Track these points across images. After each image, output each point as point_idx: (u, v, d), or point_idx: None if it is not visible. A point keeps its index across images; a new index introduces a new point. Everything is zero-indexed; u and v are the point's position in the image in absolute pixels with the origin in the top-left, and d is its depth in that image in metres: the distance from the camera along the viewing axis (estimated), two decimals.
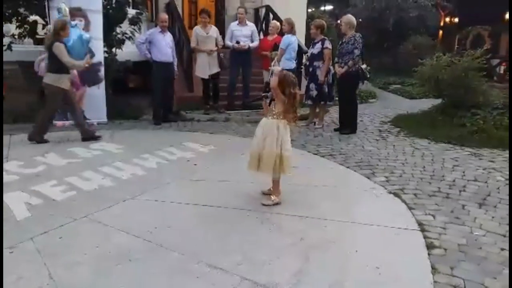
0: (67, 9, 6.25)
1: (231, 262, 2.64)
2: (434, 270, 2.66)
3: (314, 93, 7.00)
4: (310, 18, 13.22)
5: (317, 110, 7.32)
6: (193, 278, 2.47)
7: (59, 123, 6.82)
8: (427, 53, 11.48)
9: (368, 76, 6.98)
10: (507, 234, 3.15)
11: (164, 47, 7.08)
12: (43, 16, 7.37)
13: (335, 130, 6.82)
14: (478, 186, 4.22)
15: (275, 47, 7.90)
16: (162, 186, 4.02)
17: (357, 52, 6.40)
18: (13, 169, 4.43)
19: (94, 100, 7.09)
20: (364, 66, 6.64)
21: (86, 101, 7.07)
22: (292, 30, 7.42)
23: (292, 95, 3.55)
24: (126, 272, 2.53)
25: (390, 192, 4.00)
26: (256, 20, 11.10)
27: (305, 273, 2.56)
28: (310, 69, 7.06)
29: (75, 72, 6.67)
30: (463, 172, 4.66)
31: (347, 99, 6.79)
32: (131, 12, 8.18)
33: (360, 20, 19.01)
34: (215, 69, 7.85)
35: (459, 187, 4.17)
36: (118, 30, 8.07)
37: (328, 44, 6.90)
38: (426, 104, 8.89)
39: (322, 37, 7.00)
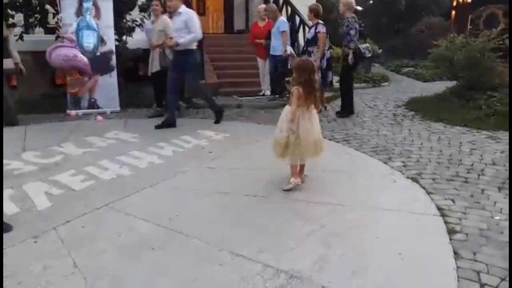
0: None
1: (252, 249, 2.65)
2: (456, 255, 2.64)
3: None
4: (319, 2, 13.04)
5: None
6: (216, 265, 2.49)
7: (72, 112, 6.88)
8: (440, 34, 11.29)
9: (369, 55, 6.91)
10: None
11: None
12: (54, 5, 7.36)
13: (337, 113, 6.84)
14: (496, 170, 4.16)
15: (269, 34, 7.79)
16: (180, 174, 4.04)
17: (352, 32, 6.34)
18: (31, 159, 4.48)
19: (107, 89, 7.12)
20: (364, 46, 6.56)
21: (99, 90, 7.11)
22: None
23: (308, 81, 3.58)
24: (149, 260, 2.56)
25: (408, 177, 3.97)
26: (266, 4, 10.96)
27: (327, 259, 2.56)
28: (306, 54, 6.98)
29: (85, 60, 6.69)
30: (481, 155, 4.60)
31: (341, 81, 6.83)
32: None
33: (371, 1, 18.80)
34: (155, 68, 6.58)
35: (477, 171, 4.12)
36: (128, 17, 8.06)
37: (321, 28, 6.80)
38: (440, 86, 8.77)
39: (317, 21, 6.90)
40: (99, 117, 6.58)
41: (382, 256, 2.61)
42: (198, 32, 5.83)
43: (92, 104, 7.11)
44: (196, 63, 6.29)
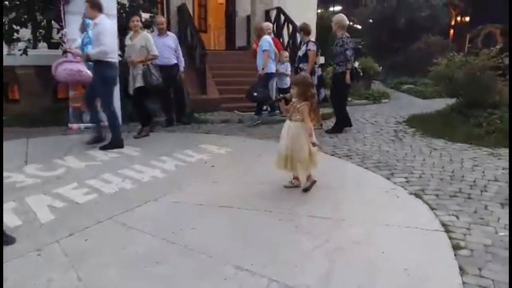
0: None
1: (257, 263, 2.63)
2: (462, 271, 2.63)
3: None
4: (319, 19, 13.24)
5: None
6: (221, 280, 2.47)
7: (74, 126, 6.89)
8: (439, 52, 11.43)
9: (362, 74, 7.00)
10: None
11: (163, 50, 6.91)
12: (58, 21, 7.45)
13: (326, 131, 6.77)
14: (499, 186, 4.16)
15: None
16: (183, 188, 4.04)
17: (349, 53, 6.41)
18: (33, 172, 4.48)
19: None
20: (356, 65, 6.64)
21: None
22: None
23: (310, 96, 3.76)
24: (154, 274, 2.54)
25: (411, 193, 3.97)
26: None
27: (333, 275, 2.54)
28: (298, 71, 7.04)
29: (90, 74, 6.73)
30: (483, 172, 4.61)
31: (334, 99, 6.87)
32: (145, 16, 8.22)
33: (371, 20, 19.06)
34: (138, 84, 6.24)
35: (480, 187, 4.13)
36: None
37: (311, 46, 6.96)
38: (439, 104, 8.83)
39: (309, 39, 7.04)
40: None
41: (388, 271, 2.59)
42: (107, 45, 5.44)
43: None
44: (106, 77, 5.55)
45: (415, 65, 14.12)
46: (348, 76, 6.42)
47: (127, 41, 6.52)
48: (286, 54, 7.92)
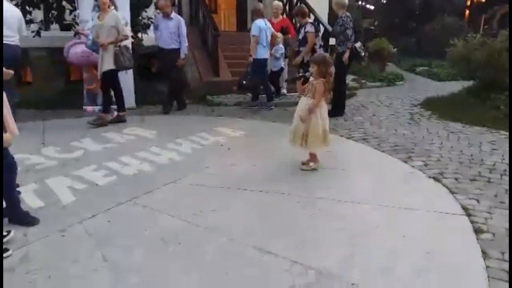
0: None
1: (279, 246, 2.64)
2: (484, 254, 2.62)
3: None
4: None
5: None
6: (245, 261, 2.49)
7: (89, 108, 6.91)
8: (455, 34, 11.19)
9: (363, 54, 6.83)
10: None
11: (163, 33, 6.77)
12: (71, 2, 7.41)
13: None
14: None
15: (283, 30, 7.68)
16: (200, 170, 4.05)
17: (349, 32, 6.29)
18: (52, 154, 4.51)
19: (123, 86, 7.03)
20: (358, 45, 6.52)
21: None
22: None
23: (329, 74, 3.91)
24: (178, 255, 2.57)
25: (430, 177, 3.94)
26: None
27: (354, 257, 2.55)
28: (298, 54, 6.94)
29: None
30: (502, 155, 4.55)
31: (334, 79, 6.73)
32: None
33: (384, 1, 18.69)
34: (107, 67, 5.82)
35: (500, 171, 4.08)
36: (143, 14, 8.09)
37: (309, 28, 6.79)
38: (455, 86, 8.69)
39: (306, 21, 6.90)
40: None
41: (410, 255, 2.59)
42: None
43: None
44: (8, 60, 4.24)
45: (429, 46, 13.87)
46: (346, 56, 6.30)
47: (96, 20, 5.94)
48: (279, 35, 7.53)
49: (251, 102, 7.40)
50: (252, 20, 7.26)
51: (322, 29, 8.53)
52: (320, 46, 7.01)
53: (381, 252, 2.62)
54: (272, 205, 3.32)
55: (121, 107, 6.14)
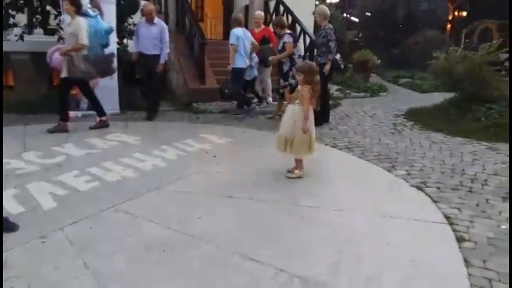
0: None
1: (265, 253, 2.63)
2: (467, 263, 2.65)
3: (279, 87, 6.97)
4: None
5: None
6: (230, 269, 2.47)
7: (71, 114, 6.80)
8: (436, 46, 11.45)
9: (342, 66, 6.95)
10: None
11: (144, 38, 6.70)
12: (56, 7, 7.33)
13: None
14: (499, 180, 4.20)
15: (263, 40, 7.64)
16: (185, 177, 4.01)
17: (332, 44, 6.39)
18: (33, 159, 4.42)
19: (107, 91, 7.04)
20: (338, 57, 6.62)
21: (99, 92, 7.04)
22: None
23: (315, 82, 3.95)
24: (162, 262, 2.53)
25: (413, 186, 3.99)
26: (266, 13, 11.02)
27: (340, 265, 2.55)
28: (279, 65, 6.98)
29: None
30: (483, 166, 4.64)
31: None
32: (144, 3, 8.10)
33: (369, 14, 19.01)
34: (62, 74, 5.72)
35: (481, 181, 4.16)
36: (129, 21, 8.05)
37: (287, 38, 6.81)
38: (437, 98, 8.84)
39: (284, 32, 6.94)
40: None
41: (395, 263, 2.61)
42: None
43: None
44: None
45: (412, 59, 14.13)
46: (327, 67, 6.37)
47: (65, 27, 5.97)
48: (255, 44, 7.38)
49: (237, 110, 7.40)
50: (231, 29, 7.26)
51: (308, 40, 8.63)
52: (299, 56, 7.05)
53: (366, 260, 2.63)
54: (258, 212, 3.30)
55: (99, 112, 6.07)
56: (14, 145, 4.77)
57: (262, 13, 8.50)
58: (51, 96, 7.47)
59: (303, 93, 3.89)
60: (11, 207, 3.17)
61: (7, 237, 2.72)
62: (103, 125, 5.98)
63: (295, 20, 9.62)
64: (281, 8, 10.30)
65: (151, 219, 3.07)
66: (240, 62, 6.99)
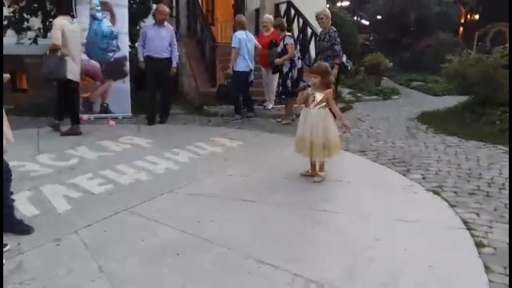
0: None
1: (279, 258, 2.59)
2: (487, 269, 2.59)
3: (279, 89, 6.96)
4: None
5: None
6: (244, 273, 2.44)
7: (84, 116, 6.85)
8: (449, 49, 11.33)
9: (350, 69, 6.88)
10: None
11: (154, 41, 6.49)
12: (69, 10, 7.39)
13: None
14: None
15: (271, 44, 7.48)
16: (198, 180, 4.00)
17: (337, 48, 6.35)
18: (47, 161, 4.45)
19: (119, 94, 7.12)
20: (344, 59, 6.56)
21: (112, 95, 7.11)
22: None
23: (332, 82, 4.16)
24: (176, 266, 2.51)
25: (429, 190, 3.92)
26: (277, 16, 11.01)
27: (356, 270, 2.50)
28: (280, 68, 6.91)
29: (97, 65, 6.72)
30: (500, 170, 4.56)
31: None
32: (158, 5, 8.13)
33: (379, 17, 18.91)
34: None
35: (498, 185, 4.08)
36: (141, 24, 8.09)
37: (288, 40, 6.77)
38: (450, 101, 8.74)
39: (285, 34, 6.90)
40: (112, 122, 6.54)
41: (413, 268, 2.55)
42: None
43: (104, 109, 7.11)
44: None
45: (425, 62, 14.00)
46: (335, 71, 6.26)
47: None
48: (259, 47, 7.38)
49: (236, 115, 7.21)
50: (234, 32, 7.23)
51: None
52: (299, 58, 7.00)
53: (383, 265, 2.58)
54: (271, 216, 3.27)
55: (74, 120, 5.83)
56: (28, 148, 4.79)
57: (271, 17, 8.47)
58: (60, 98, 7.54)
59: (328, 96, 3.94)
60: (26, 210, 3.18)
61: (22, 239, 2.73)
62: (74, 132, 5.72)
63: (306, 23, 9.61)
64: (292, 12, 10.30)
65: (165, 222, 3.06)
66: (243, 65, 6.95)
